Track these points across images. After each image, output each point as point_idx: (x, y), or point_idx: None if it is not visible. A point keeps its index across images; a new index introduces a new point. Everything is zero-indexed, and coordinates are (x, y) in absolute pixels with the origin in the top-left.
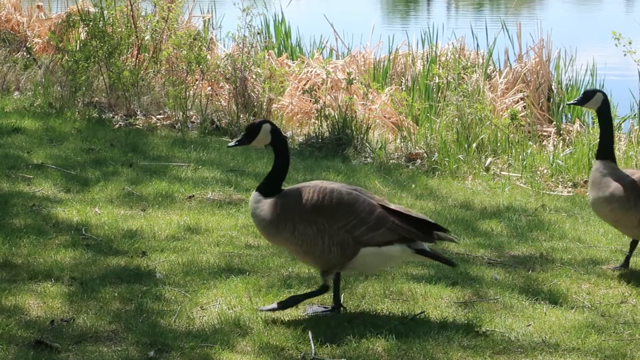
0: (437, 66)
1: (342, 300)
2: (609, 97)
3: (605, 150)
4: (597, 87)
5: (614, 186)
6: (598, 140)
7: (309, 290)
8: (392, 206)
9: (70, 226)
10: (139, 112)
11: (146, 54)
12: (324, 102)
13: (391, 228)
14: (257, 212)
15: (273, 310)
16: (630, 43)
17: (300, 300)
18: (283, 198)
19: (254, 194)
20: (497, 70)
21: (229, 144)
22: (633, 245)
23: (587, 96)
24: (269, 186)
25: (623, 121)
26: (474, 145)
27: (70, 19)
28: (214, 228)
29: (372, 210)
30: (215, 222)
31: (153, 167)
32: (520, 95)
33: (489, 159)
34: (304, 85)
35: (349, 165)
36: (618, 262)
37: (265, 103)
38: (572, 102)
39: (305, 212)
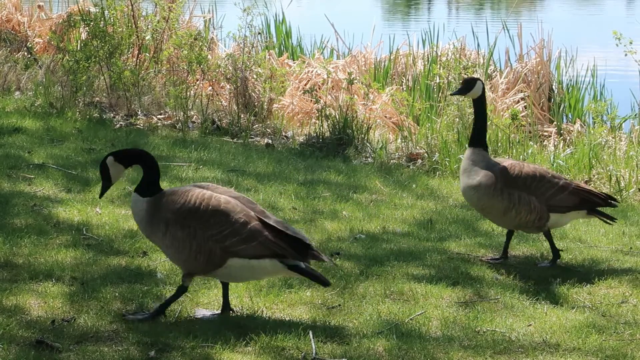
0: (438, 66)
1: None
2: (609, 98)
3: (478, 138)
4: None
5: (483, 174)
6: (472, 128)
7: (170, 296)
8: (271, 220)
9: (71, 226)
10: (139, 112)
11: (147, 54)
12: (325, 102)
13: (263, 242)
14: (135, 212)
15: (142, 319)
16: (631, 43)
17: (166, 307)
18: (160, 199)
19: (132, 194)
20: (498, 70)
21: (99, 196)
22: (509, 236)
23: (469, 85)
24: (146, 187)
25: (623, 121)
26: None
27: (71, 19)
28: None
29: (246, 222)
30: None
31: None
32: (521, 95)
33: None
34: (305, 85)
35: (350, 165)
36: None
37: (266, 103)
38: (454, 92)
39: (179, 216)
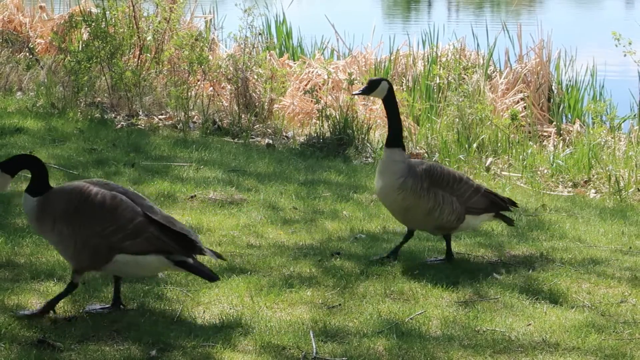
0: (438, 67)
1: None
2: (608, 98)
3: (395, 139)
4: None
5: (405, 174)
6: (387, 128)
7: (61, 292)
8: (158, 216)
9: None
10: (141, 113)
11: (148, 55)
12: (325, 103)
13: (148, 238)
14: (26, 211)
15: (31, 315)
16: (630, 43)
17: (55, 303)
18: (48, 197)
19: (24, 194)
20: (498, 70)
21: None
22: (407, 237)
23: (373, 85)
24: (36, 187)
25: (623, 121)
26: (475, 145)
27: (73, 20)
28: (216, 228)
29: (132, 218)
30: (217, 221)
31: (155, 167)
32: (521, 95)
33: (490, 159)
34: (305, 85)
35: (350, 165)
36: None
37: (266, 103)
38: (357, 92)
39: (64, 212)
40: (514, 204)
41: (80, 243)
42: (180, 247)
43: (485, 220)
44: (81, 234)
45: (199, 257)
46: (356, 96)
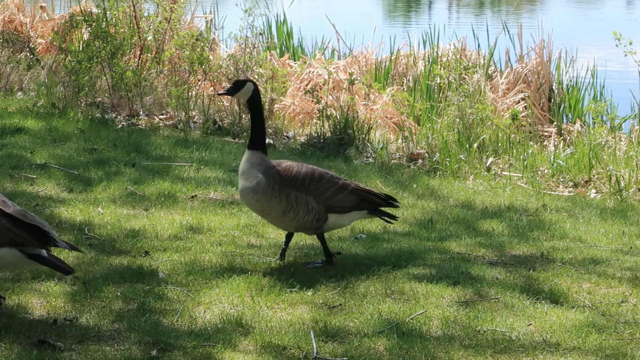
0: (439, 66)
1: None
2: (609, 98)
3: (256, 141)
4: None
5: (260, 176)
6: (250, 131)
7: None
8: (10, 209)
9: (73, 226)
10: (141, 112)
11: (149, 55)
12: (326, 103)
13: (0, 231)
14: None
15: None
16: (630, 43)
17: None
18: None
19: None
20: (498, 70)
21: None
22: (288, 239)
23: (238, 86)
24: None
25: (623, 121)
26: (475, 145)
27: (73, 20)
28: (216, 228)
29: None
30: (218, 221)
31: (156, 167)
32: (521, 95)
33: (490, 159)
34: (306, 85)
35: (351, 165)
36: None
37: (267, 103)
38: (221, 92)
39: None
40: (393, 200)
41: None
42: (33, 239)
43: (358, 218)
44: None
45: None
46: (221, 96)
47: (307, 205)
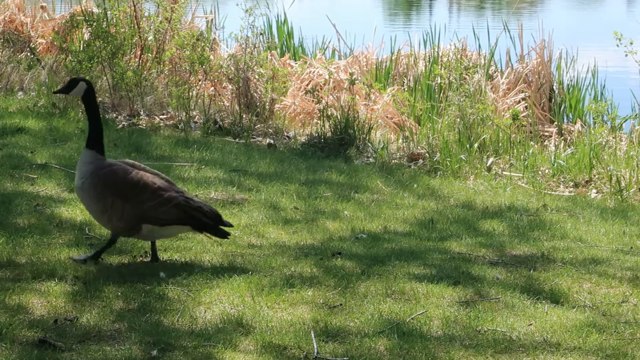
0: (439, 66)
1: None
2: (609, 98)
3: (91, 140)
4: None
5: (87, 175)
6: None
7: None
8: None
9: (73, 226)
10: (142, 112)
11: (149, 55)
12: (327, 103)
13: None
14: None
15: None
16: (631, 43)
17: None
18: None
19: None
20: (499, 70)
21: None
22: (110, 242)
23: (72, 84)
24: None
25: (624, 121)
26: (476, 145)
27: (74, 20)
28: None
29: None
30: None
31: (156, 167)
32: (522, 95)
33: (491, 159)
34: (307, 85)
35: (351, 165)
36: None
37: (267, 103)
38: (56, 90)
39: None
40: (222, 222)
41: None
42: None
43: (183, 232)
44: None
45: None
46: (56, 95)
47: (121, 212)
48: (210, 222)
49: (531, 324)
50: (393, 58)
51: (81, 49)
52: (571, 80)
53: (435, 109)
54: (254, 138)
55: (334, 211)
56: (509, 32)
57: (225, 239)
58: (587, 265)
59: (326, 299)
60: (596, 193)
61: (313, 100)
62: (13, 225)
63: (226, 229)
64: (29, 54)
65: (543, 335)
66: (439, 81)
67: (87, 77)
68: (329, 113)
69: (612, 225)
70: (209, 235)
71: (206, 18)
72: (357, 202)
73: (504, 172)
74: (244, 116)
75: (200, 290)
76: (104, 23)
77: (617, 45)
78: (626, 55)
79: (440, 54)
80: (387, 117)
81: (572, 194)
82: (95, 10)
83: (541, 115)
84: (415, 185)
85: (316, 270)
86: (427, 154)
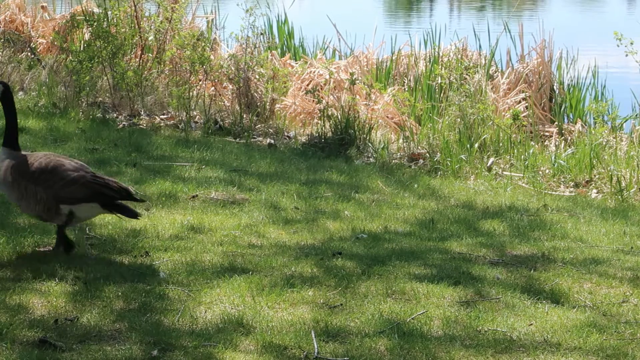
0: (440, 66)
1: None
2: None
3: (7, 138)
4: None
5: (3, 169)
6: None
7: None
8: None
9: (74, 225)
10: (142, 112)
11: (150, 54)
12: (327, 102)
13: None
14: None
15: None
16: (632, 44)
17: None
18: None
19: None
20: (499, 70)
21: None
22: (59, 232)
23: None
24: None
25: (624, 121)
26: (476, 145)
27: (75, 20)
28: (217, 227)
29: None
30: (219, 221)
31: (156, 167)
32: (522, 95)
33: (491, 159)
34: (307, 85)
35: (352, 165)
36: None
37: (268, 103)
38: None
39: None
40: (129, 193)
41: None
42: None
43: (98, 213)
44: None
45: None
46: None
47: (36, 196)
48: (118, 197)
49: (532, 324)
50: (393, 58)
51: (82, 48)
52: (572, 80)
53: (435, 109)
54: (254, 138)
55: (334, 211)
56: (509, 32)
57: (136, 219)
58: (588, 265)
59: (327, 299)
60: (596, 193)
61: (313, 100)
62: (14, 225)
63: (139, 206)
64: (29, 53)
65: (543, 335)
66: (439, 81)
67: (87, 77)
68: (330, 113)
69: (613, 225)
70: (119, 215)
71: (207, 18)
72: (357, 202)
73: (505, 172)
74: (244, 116)
75: (200, 290)
76: (105, 23)
77: (618, 46)
78: (626, 55)
79: (441, 54)
80: (387, 117)
81: (573, 194)
82: (96, 10)
83: (542, 115)
84: (415, 185)
85: (316, 270)
86: (427, 154)
